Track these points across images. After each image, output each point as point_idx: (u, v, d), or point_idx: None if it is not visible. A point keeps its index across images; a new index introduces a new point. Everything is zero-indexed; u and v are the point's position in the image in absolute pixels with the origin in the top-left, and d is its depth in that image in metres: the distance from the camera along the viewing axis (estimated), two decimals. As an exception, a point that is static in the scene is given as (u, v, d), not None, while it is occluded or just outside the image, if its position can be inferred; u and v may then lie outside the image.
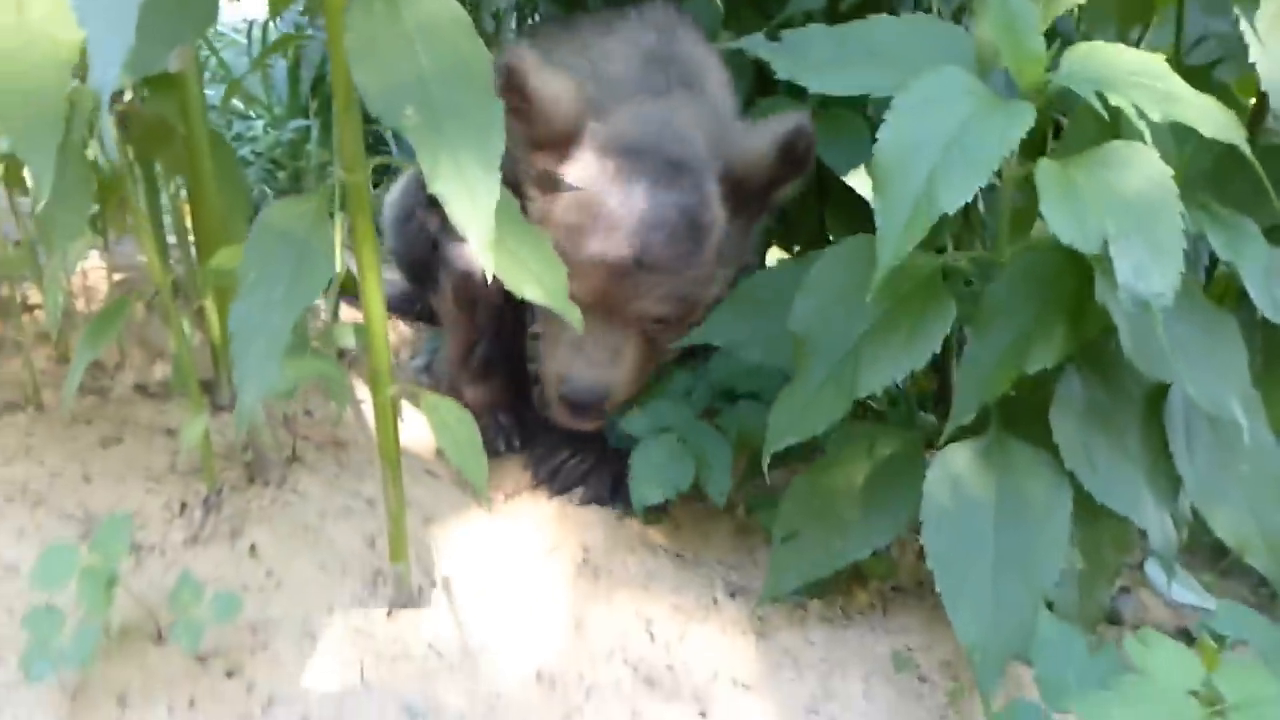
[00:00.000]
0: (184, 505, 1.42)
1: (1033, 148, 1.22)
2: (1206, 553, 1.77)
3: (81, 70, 1.06)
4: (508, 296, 1.11)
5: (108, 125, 0.95)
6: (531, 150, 1.47)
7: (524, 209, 1.43)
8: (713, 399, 1.59)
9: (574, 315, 1.13)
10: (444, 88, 0.96)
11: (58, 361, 1.64)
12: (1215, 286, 1.47)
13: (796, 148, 1.46)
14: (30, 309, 1.69)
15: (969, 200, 1.08)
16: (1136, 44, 1.46)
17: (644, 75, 1.52)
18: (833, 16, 1.42)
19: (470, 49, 0.98)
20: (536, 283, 1.11)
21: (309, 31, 2.91)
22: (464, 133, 0.95)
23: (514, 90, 1.42)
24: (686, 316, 1.48)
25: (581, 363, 1.50)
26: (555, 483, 1.64)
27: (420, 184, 1.68)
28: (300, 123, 3.00)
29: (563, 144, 1.45)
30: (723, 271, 1.50)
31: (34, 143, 1.04)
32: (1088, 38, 1.24)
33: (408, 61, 0.96)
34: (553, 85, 1.43)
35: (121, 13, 0.89)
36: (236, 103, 3.21)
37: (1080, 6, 1.29)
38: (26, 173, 1.51)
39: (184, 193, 1.63)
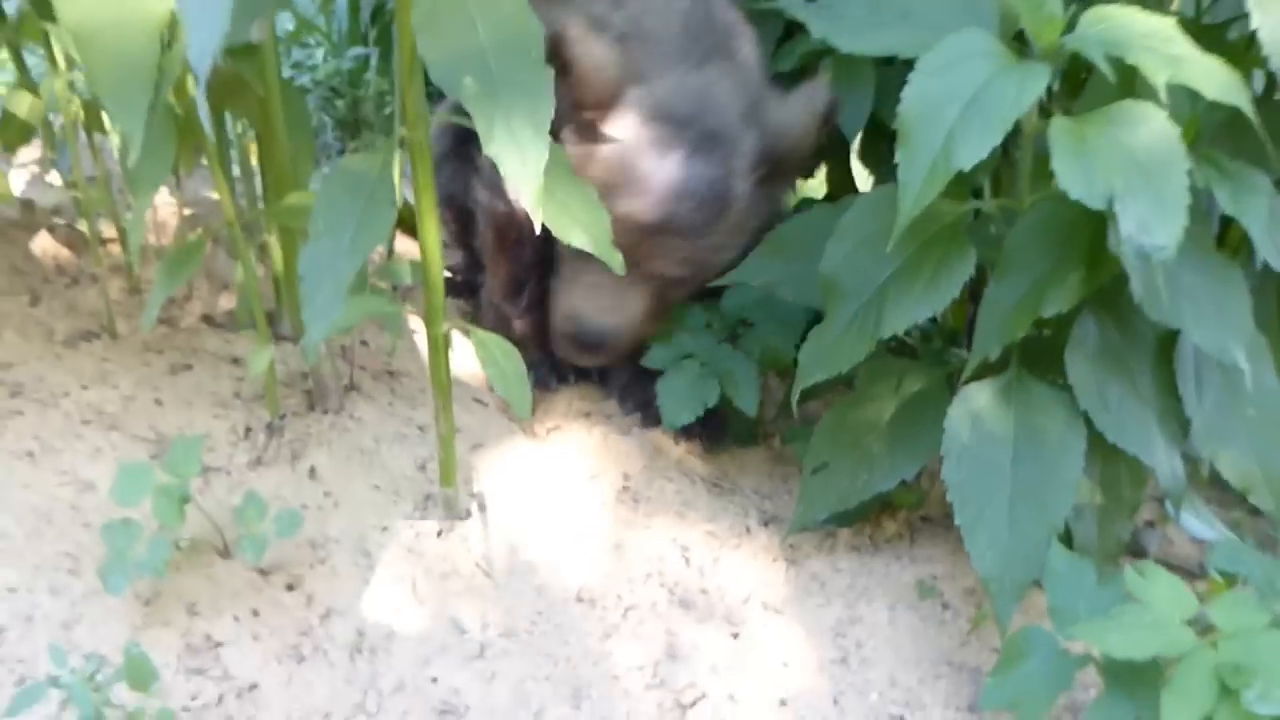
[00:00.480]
0: (248, 429, 1.47)
1: (1067, 101, 1.25)
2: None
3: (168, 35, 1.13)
4: (549, 235, 1.17)
5: (203, 104, 1.02)
6: (574, 109, 1.50)
7: None
8: (730, 328, 1.63)
9: (616, 260, 1.19)
10: (500, 59, 1.01)
11: (130, 292, 1.67)
12: (1230, 238, 1.49)
13: (831, 119, 1.51)
14: (105, 242, 1.72)
15: (984, 157, 1.10)
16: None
17: (683, 42, 1.53)
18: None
19: (525, 23, 1.03)
20: (584, 230, 1.17)
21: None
22: (517, 100, 1.00)
23: (557, 58, 1.44)
24: (697, 277, 1.53)
25: (591, 306, 1.55)
26: (647, 415, 1.67)
27: (454, 136, 1.73)
28: (359, 51, 2.93)
29: (604, 106, 1.48)
30: (738, 239, 1.53)
31: (126, 105, 1.10)
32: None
33: (468, 35, 1.01)
34: (594, 53, 1.45)
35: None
36: (296, 29, 3.20)
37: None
38: (104, 114, 1.58)
39: (249, 131, 1.69)
